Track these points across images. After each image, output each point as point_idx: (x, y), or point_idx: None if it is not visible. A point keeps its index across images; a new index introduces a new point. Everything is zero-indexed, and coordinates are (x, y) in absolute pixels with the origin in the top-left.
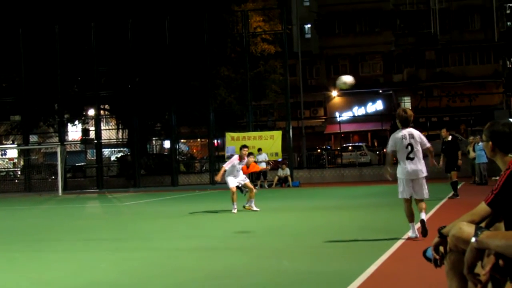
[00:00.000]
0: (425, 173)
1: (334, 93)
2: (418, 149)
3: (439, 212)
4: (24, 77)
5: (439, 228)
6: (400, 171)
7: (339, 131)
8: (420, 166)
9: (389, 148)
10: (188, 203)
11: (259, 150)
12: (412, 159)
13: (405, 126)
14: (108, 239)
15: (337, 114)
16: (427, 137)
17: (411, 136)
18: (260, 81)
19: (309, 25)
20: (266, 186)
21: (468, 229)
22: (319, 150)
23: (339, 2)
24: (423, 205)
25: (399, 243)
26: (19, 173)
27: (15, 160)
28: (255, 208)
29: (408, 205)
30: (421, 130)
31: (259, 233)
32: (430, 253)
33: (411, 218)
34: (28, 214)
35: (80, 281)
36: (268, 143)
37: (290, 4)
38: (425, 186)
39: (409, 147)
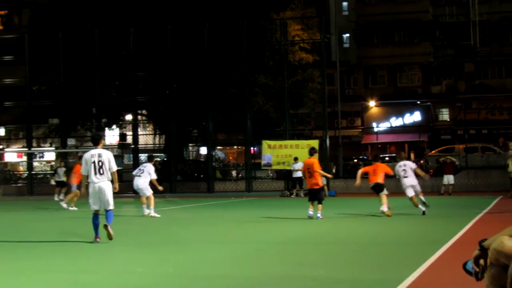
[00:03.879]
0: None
1: (372, 103)
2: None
3: (478, 225)
4: (63, 81)
5: (480, 241)
6: None
7: (376, 141)
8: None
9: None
10: (224, 210)
11: (296, 159)
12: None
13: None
14: (144, 244)
15: (374, 124)
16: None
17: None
18: (298, 89)
19: (347, 35)
20: (302, 194)
21: (510, 243)
22: (355, 160)
23: (378, 12)
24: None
25: (436, 254)
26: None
27: (53, 163)
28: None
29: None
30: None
31: (295, 241)
32: (470, 266)
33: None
34: (65, 216)
35: (117, 284)
36: (305, 152)
37: (329, 13)
38: None
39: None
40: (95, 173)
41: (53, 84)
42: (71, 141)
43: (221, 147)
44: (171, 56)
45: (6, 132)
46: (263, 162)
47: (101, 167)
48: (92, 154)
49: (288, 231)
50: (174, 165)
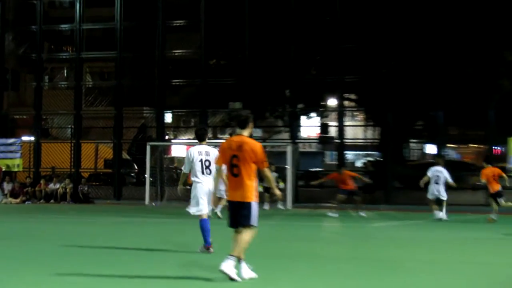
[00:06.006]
0: None
1: None
2: None
3: None
4: (248, 54)
5: None
6: None
7: None
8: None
9: None
10: (458, 229)
11: None
12: None
13: None
14: (352, 271)
15: None
16: None
17: None
18: None
19: None
20: None
21: None
22: None
23: None
24: None
25: None
26: None
27: None
28: None
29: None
30: None
31: None
32: None
33: None
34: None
35: None
36: None
37: None
38: None
39: None
40: (203, 173)
41: (235, 58)
42: (256, 132)
43: (453, 145)
44: (388, 23)
45: (173, 118)
46: (509, 165)
47: (208, 166)
48: (199, 151)
49: None
50: (391, 167)
